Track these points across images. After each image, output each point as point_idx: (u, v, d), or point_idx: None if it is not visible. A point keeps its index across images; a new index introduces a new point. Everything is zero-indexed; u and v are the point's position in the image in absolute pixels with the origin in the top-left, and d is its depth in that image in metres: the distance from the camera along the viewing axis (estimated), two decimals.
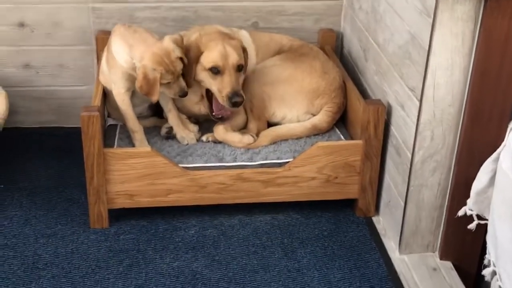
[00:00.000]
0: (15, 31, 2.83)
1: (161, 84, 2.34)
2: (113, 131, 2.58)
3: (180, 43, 2.41)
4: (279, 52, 2.73)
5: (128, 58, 2.39)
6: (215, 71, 2.42)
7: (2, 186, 2.65)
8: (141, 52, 2.35)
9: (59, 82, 2.96)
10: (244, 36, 2.69)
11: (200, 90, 2.53)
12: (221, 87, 2.42)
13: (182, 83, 2.41)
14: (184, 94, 2.42)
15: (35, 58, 2.90)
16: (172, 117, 2.55)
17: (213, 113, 2.51)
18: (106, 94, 2.59)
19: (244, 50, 2.52)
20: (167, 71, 2.33)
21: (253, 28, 2.93)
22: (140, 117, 2.59)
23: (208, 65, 2.43)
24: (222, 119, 2.51)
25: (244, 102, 2.45)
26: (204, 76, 2.46)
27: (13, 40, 2.85)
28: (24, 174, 2.73)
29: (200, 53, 2.44)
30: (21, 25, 2.83)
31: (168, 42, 2.36)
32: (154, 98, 2.36)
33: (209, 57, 2.43)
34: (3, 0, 2.77)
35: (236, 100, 2.40)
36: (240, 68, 2.46)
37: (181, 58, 2.38)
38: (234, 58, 2.42)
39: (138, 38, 2.40)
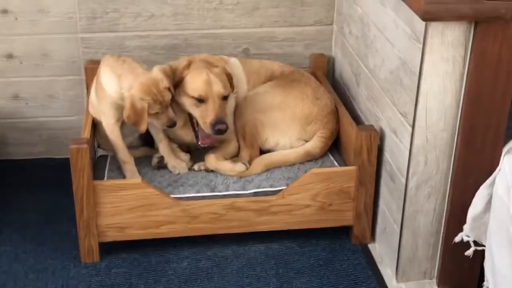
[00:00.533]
0: (4, 62, 2.81)
1: (149, 114, 2.32)
2: (103, 162, 2.55)
3: (168, 73, 2.39)
4: (270, 78, 2.71)
5: (117, 88, 2.36)
6: (199, 99, 2.40)
7: None
8: (130, 82, 2.33)
9: (49, 112, 2.94)
10: (235, 63, 2.67)
11: (183, 114, 2.50)
12: (205, 115, 2.40)
13: (171, 113, 2.38)
14: (172, 125, 2.40)
15: (24, 89, 2.88)
16: (163, 147, 2.52)
17: (199, 142, 2.48)
18: (95, 125, 2.56)
19: (229, 75, 2.50)
20: (155, 101, 2.31)
21: (244, 55, 2.92)
22: (130, 147, 2.56)
23: (192, 94, 2.41)
24: (209, 148, 2.48)
25: (230, 130, 2.44)
26: (188, 104, 2.44)
27: (1, 72, 2.83)
28: (14, 207, 2.69)
29: (182, 78, 2.42)
30: (10, 56, 2.81)
31: (156, 72, 2.34)
32: (142, 128, 2.33)
33: (193, 86, 2.41)
34: None
35: (219, 127, 2.37)
36: (224, 97, 2.43)
37: (169, 89, 2.36)
38: (218, 87, 2.40)
39: (127, 68, 2.38)
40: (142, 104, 2.29)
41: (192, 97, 2.41)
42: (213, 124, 2.37)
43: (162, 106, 2.34)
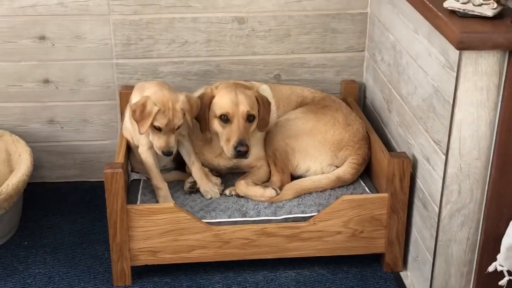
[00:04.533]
0: (40, 87, 2.88)
1: (153, 125, 2.34)
2: (136, 186, 2.58)
3: (191, 101, 2.41)
4: (301, 104, 2.73)
5: None
6: (225, 118, 2.42)
7: (26, 243, 2.65)
8: (155, 92, 2.39)
9: (83, 136, 2.99)
10: (265, 90, 2.70)
11: (219, 143, 2.52)
12: (229, 136, 2.41)
13: (172, 140, 2.38)
14: (168, 153, 2.38)
15: (59, 114, 2.94)
16: (196, 170, 2.55)
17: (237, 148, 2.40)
18: (130, 149, 2.60)
19: (264, 102, 2.52)
20: (165, 115, 2.33)
21: (276, 81, 2.94)
22: (163, 169, 2.59)
23: (218, 112, 2.42)
24: (243, 155, 2.43)
25: (261, 155, 2.44)
26: (215, 125, 2.46)
27: (38, 96, 2.89)
28: (48, 230, 2.73)
29: (211, 98, 2.45)
30: (46, 81, 2.87)
31: (180, 94, 2.39)
32: (142, 130, 2.35)
33: (220, 105, 2.43)
34: (29, 57, 2.82)
35: (240, 149, 2.38)
36: (250, 118, 2.45)
37: (184, 114, 2.37)
38: (244, 106, 2.42)
39: (156, 84, 2.45)
40: (152, 108, 2.33)
41: (218, 116, 2.43)
42: (235, 146, 2.38)
43: (168, 126, 2.35)
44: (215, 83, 2.64)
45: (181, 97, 2.38)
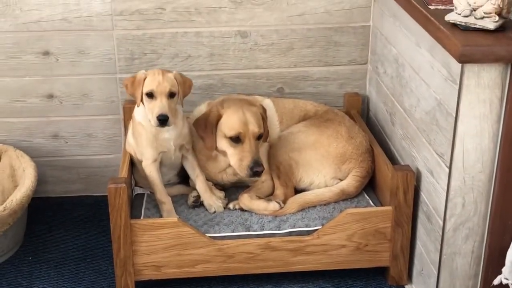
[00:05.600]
0: (44, 102, 2.89)
1: (145, 94, 2.36)
2: (140, 200, 2.58)
3: (184, 77, 2.45)
4: (304, 118, 2.73)
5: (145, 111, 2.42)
6: (235, 139, 2.43)
7: (30, 258, 2.65)
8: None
9: (87, 151, 3.00)
10: (268, 105, 2.70)
11: (224, 158, 2.52)
12: (241, 156, 2.41)
13: (165, 105, 2.35)
14: (163, 119, 2.34)
15: (64, 128, 2.95)
16: (200, 183, 2.55)
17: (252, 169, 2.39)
18: (133, 163, 2.60)
19: (265, 115, 2.53)
20: (154, 78, 2.36)
21: (279, 94, 2.95)
22: (167, 184, 2.59)
23: (228, 133, 2.43)
24: (259, 175, 2.43)
25: (265, 170, 2.43)
26: (223, 144, 2.45)
27: (42, 111, 2.91)
28: (52, 245, 2.73)
29: (219, 117, 2.45)
30: (50, 96, 2.88)
31: (173, 73, 2.43)
32: (137, 101, 2.40)
33: (229, 125, 2.43)
34: (33, 73, 2.83)
35: (257, 170, 2.39)
36: (259, 136, 2.45)
37: (175, 81, 2.39)
38: (253, 126, 2.43)
39: None
40: (141, 77, 2.38)
41: (229, 137, 2.43)
42: (251, 167, 2.39)
43: (159, 88, 2.35)
44: (218, 98, 2.65)
45: (174, 73, 2.42)
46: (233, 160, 2.44)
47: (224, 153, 2.48)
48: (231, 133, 2.42)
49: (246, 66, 2.91)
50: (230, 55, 2.88)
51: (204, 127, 2.46)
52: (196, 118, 2.53)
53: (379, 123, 2.84)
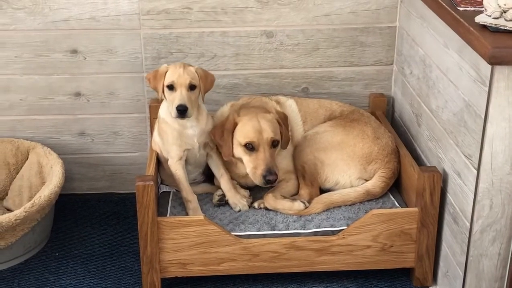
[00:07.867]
0: (72, 100, 2.92)
1: (166, 86, 2.40)
2: (166, 198, 2.60)
3: (206, 72, 2.49)
4: (329, 118, 2.73)
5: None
6: (250, 147, 2.43)
7: (57, 253, 2.69)
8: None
9: (113, 149, 3.02)
10: (291, 105, 2.71)
11: (242, 165, 2.52)
12: (255, 164, 2.43)
13: (184, 95, 2.38)
14: (182, 109, 2.36)
15: (90, 126, 2.98)
16: (224, 182, 2.56)
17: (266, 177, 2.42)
18: (159, 161, 2.62)
19: (284, 120, 2.54)
20: (175, 70, 2.40)
21: (304, 94, 2.95)
22: (193, 183, 2.61)
23: (242, 141, 2.44)
24: (272, 183, 2.45)
25: (289, 170, 2.44)
26: (239, 152, 2.47)
27: (69, 109, 2.94)
28: (79, 241, 2.77)
29: (235, 125, 2.47)
30: (78, 94, 2.92)
31: (193, 66, 2.47)
32: (159, 94, 2.44)
33: (243, 132, 2.44)
34: (61, 71, 2.87)
35: (269, 178, 2.40)
36: (274, 143, 2.46)
37: (197, 75, 2.42)
38: (268, 133, 2.43)
39: None
40: (163, 70, 2.42)
41: (243, 145, 2.45)
42: (264, 175, 2.40)
43: (179, 80, 2.38)
44: (241, 98, 2.68)
45: (194, 67, 2.46)
46: (248, 168, 2.46)
47: (241, 160, 2.50)
48: (245, 141, 2.44)
49: (271, 66, 2.92)
50: (256, 55, 2.89)
51: (221, 135, 2.48)
52: (214, 124, 2.55)
53: (405, 124, 2.83)
